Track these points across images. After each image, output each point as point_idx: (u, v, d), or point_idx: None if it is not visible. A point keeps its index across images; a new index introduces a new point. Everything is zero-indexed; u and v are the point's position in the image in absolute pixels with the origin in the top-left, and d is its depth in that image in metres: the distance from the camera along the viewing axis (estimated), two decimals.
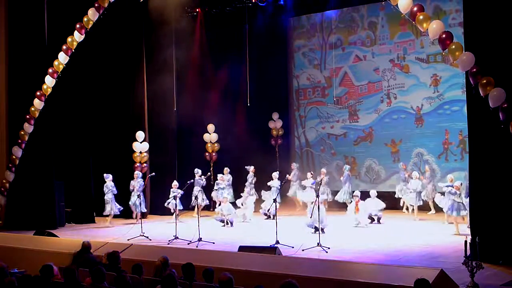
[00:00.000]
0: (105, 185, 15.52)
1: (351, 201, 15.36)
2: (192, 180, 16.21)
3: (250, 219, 15.64)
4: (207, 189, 16.85)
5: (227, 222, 14.74)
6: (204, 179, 15.84)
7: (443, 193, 13.52)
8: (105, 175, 15.62)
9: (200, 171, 16.62)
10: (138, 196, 15.15)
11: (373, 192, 14.92)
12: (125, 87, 17.49)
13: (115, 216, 15.85)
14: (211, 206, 17.72)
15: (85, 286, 6.75)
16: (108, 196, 15.43)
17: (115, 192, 15.52)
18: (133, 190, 15.72)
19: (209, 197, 17.17)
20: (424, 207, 15.62)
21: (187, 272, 7.01)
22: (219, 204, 16.26)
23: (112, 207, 15.43)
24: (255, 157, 17.63)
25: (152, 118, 17.68)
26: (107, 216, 15.53)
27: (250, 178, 16.95)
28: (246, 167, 17.16)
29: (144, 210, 15.51)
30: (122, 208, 15.78)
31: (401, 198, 16.16)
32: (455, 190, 12.59)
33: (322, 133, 19.37)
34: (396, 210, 16.21)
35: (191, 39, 18.73)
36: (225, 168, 17.24)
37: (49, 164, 15.35)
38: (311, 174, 16.33)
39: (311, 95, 19.71)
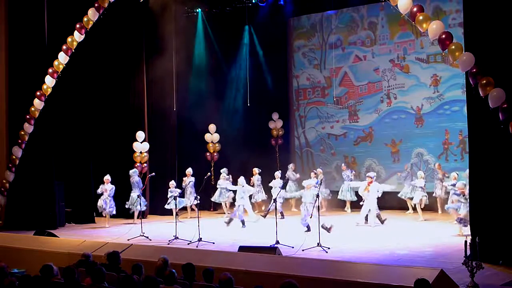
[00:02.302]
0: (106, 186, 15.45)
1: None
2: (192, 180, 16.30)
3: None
4: (207, 190, 16.83)
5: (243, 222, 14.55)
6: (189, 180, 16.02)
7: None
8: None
9: (191, 170, 16.54)
10: (138, 196, 15.15)
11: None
12: (125, 87, 17.48)
13: (114, 216, 15.85)
14: (211, 207, 17.78)
15: (85, 286, 6.75)
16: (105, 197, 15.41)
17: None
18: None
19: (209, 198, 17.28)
20: (429, 208, 15.55)
21: (187, 272, 7.01)
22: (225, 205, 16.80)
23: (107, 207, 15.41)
24: (255, 157, 17.62)
25: (152, 118, 17.67)
26: (105, 217, 15.53)
27: (256, 180, 16.96)
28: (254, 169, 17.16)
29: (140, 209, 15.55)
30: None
31: (408, 198, 15.73)
32: (459, 191, 12.48)
33: (322, 133, 19.37)
34: (397, 210, 16.20)
35: (191, 39, 18.72)
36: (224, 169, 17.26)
37: (49, 164, 15.34)
38: (315, 173, 16.34)
39: (311, 95, 19.71)
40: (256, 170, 16.93)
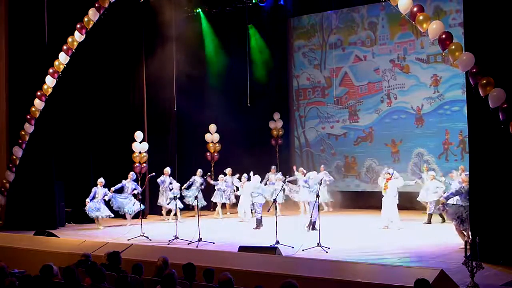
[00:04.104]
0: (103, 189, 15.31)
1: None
2: (192, 180, 16.24)
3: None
4: (206, 190, 16.80)
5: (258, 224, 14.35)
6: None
7: None
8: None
9: (169, 169, 16.29)
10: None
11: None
12: (125, 87, 17.48)
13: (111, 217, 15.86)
14: (211, 207, 17.76)
15: (85, 286, 6.75)
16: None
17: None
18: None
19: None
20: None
21: (188, 272, 7.01)
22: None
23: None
24: (255, 157, 17.62)
25: (152, 118, 17.67)
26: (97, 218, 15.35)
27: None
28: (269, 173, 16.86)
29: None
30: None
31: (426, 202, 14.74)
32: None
33: (322, 133, 19.38)
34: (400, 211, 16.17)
35: (191, 39, 18.71)
36: (199, 170, 16.68)
37: (49, 164, 15.35)
38: (303, 172, 16.29)
39: (311, 95, 19.72)
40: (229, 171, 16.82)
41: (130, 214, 15.47)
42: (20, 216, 15.11)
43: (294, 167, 17.78)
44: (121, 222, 15.82)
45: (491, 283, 8.21)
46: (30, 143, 15.31)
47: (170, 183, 15.93)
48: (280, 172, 17.13)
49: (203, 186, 16.22)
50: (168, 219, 16.05)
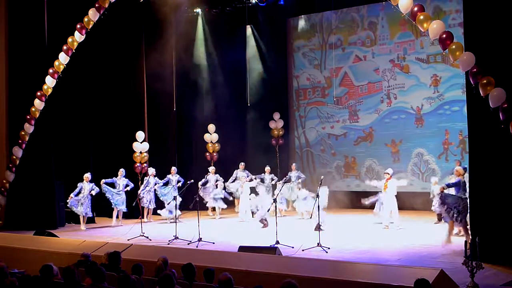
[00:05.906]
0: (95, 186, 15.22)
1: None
2: (192, 180, 16.18)
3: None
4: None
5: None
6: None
7: None
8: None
9: (124, 171, 15.89)
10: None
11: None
12: (125, 88, 17.48)
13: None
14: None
15: (85, 286, 6.75)
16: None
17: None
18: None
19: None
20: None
21: (187, 272, 7.01)
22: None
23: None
24: (255, 157, 17.62)
25: (152, 118, 17.67)
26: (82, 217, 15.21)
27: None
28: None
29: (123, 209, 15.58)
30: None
31: None
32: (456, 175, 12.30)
33: (322, 133, 19.37)
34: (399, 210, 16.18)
35: (191, 40, 18.73)
36: (173, 168, 16.38)
37: (49, 164, 15.34)
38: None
39: (311, 95, 19.71)
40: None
41: (116, 207, 15.42)
42: (20, 216, 15.12)
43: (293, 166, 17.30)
44: (113, 222, 15.77)
45: (491, 283, 8.21)
46: (30, 143, 15.32)
47: (156, 184, 15.87)
48: (247, 171, 16.93)
49: (180, 184, 15.99)
50: (148, 220, 16.02)
